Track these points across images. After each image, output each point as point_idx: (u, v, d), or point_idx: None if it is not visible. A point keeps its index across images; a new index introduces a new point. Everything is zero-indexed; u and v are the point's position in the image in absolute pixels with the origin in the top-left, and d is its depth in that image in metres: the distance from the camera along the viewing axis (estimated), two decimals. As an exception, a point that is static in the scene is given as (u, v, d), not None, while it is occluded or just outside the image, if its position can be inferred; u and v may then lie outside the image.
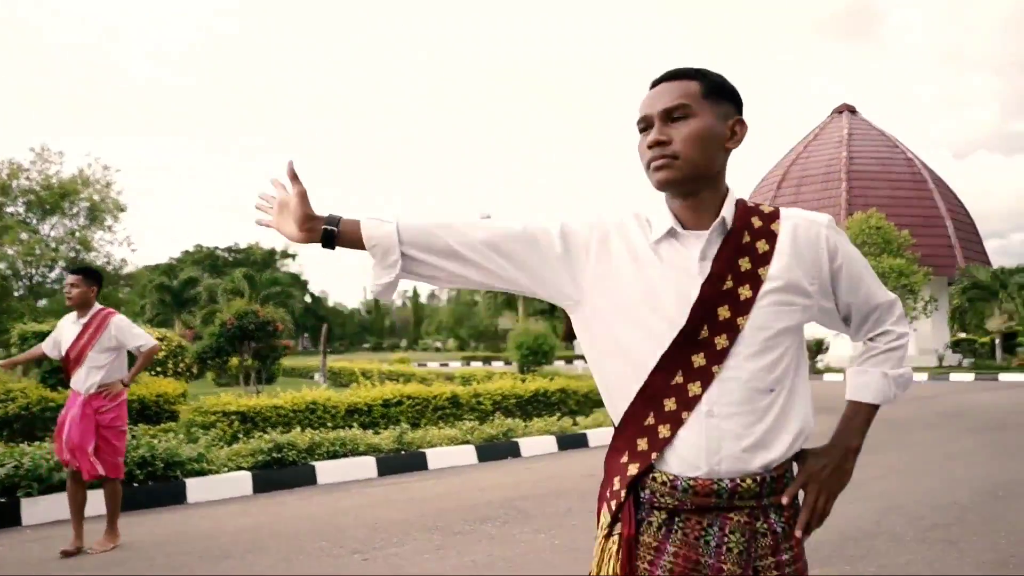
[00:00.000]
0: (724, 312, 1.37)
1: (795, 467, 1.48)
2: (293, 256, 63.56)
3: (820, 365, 26.14)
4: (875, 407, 1.52)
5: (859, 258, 1.50)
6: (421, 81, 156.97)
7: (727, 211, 1.43)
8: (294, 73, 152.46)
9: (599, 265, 1.45)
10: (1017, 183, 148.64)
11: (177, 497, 6.44)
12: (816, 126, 36.12)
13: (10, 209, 27.49)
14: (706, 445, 1.36)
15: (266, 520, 5.81)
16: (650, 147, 1.41)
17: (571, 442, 9.34)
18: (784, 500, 1.41)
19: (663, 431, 1.37)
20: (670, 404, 1.37)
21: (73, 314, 4.97)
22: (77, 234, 28.03)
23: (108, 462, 4.87)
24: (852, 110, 35.81)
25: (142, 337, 5.03)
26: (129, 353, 5.07)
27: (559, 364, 24.86)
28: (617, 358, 1.44)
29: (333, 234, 1.42)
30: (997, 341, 29.42)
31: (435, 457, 8.10)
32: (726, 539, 1.36)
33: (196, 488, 6.55)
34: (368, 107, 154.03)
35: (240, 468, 6.97)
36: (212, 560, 4.69)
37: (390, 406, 9.52)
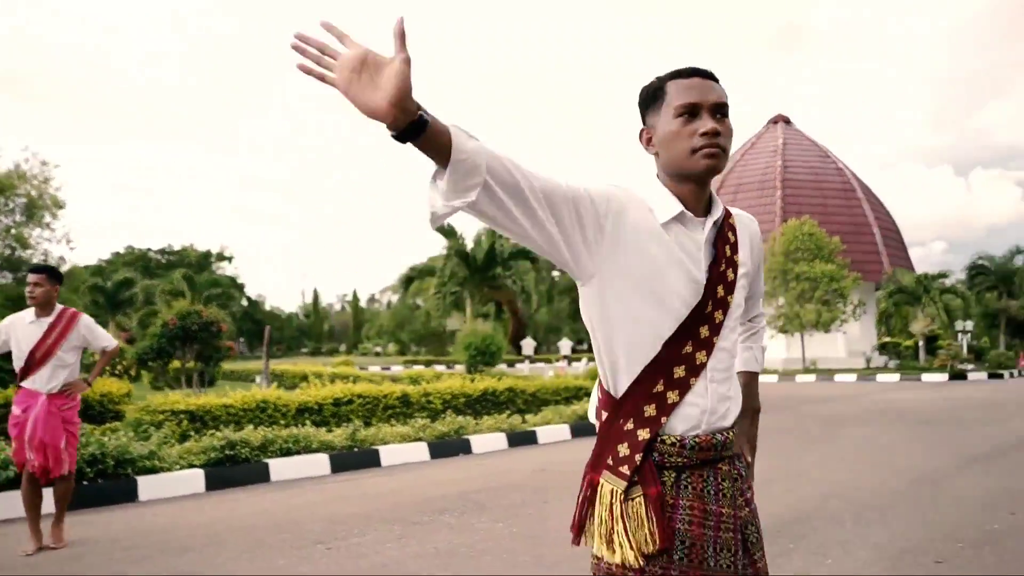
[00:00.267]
0: (720, 291, 1.54)
1: None
2: (229, 259, 62.23)
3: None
4: (759, 373, 1.89)
5: None
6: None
7: (719, 206, 1.58)
8: (272, 71, 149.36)
9: (615, 237, 1.48)
10: (938, 194, 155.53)
11: (128, 495, 6.36)
12: (752, 135, 37.26)
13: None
14: (708, 407, 1.52)
15: (222, 516, 5.80)
16: (704, 135, 1.49)
17: (521, 439, 9.51)
18: (750, 458, 1.65)
19: (672, 396, 1.50)
20: (679, 371, 1.50)
21: (29, 312, 4.87)
22: (13, 231, 26.97)
23: (71, 459, 4.85)
24: (786, 120, 37.07)
25: (106, 338, 5.08)
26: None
27: (500, 367, 25.02)
28: (630, 329, 1.51)
29: (425, 124, 1.20)
30: (920, 343, 30.83)
31: (388, 454, 8.16)
32: (720, 486, 1.53)
33: (148, 486, 6.48)
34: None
35: (192, 466, 6.91)
36: (172, 554, 4.68)
37: (341, 405, 9.52)
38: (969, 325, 32.13)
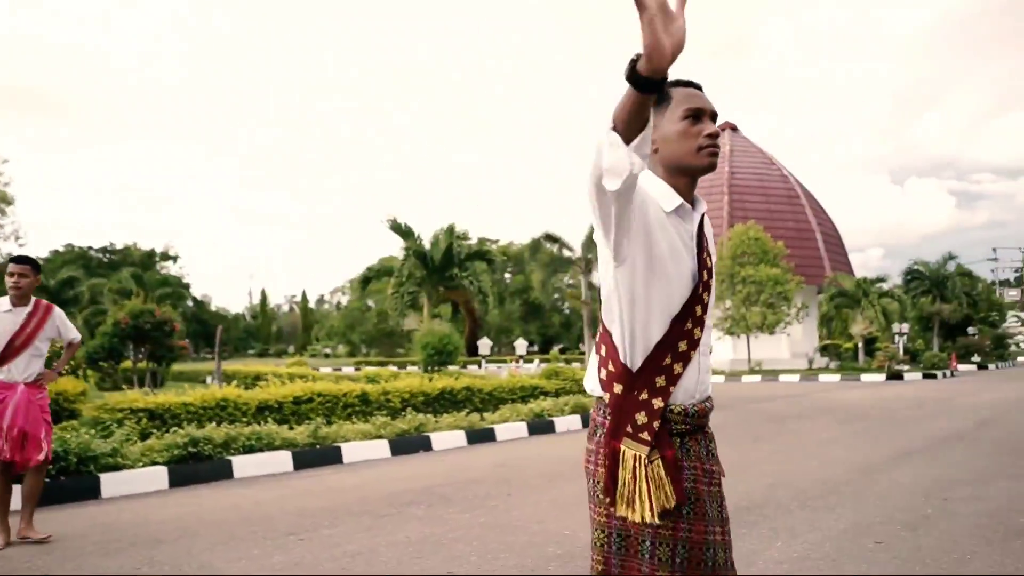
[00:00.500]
0: (705, 275, 1.76)
1: None
2: (174, 258, 60.96)
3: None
4: None
5: None
6: (346, 84, 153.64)
7: (703, 202, 1.81)
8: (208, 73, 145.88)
9: (643, 225, 1.63)
10: (876, 202, 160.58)
11: (91, 492, 6.35)
12: (700, 142, 38.10)
13: None
14: (699, 377, 1.75)
15: (190, 511, 5.85)
16: (709, 135, 1.72)
17: (480, 436, 9.69)
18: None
19: (677, 368, 1.71)
20: (683, 346, 1.72)
21: (4, 301, 4.90)
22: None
23: (48, 448, 4.91)
24: (734, 128, 37.99)
25: (74, 330, 5.18)
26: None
27: (452, 368, 25.14)
28: (650, 308, 1.70)
29: (664, 82, 1.34)
30: (860, 345, 31.95)
31: (350, 451, 8.27)
32: (710, 446, 1.79)
33: (111, 483, 6.48)
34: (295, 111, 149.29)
35: (155, 463, 6.92)
36: (145, 547, 4.75)
37: (301, 403, 9.57)
38: (905, 328, 33.44)
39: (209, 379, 19.24)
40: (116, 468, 6.62)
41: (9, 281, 4.85)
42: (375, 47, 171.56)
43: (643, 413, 1.69)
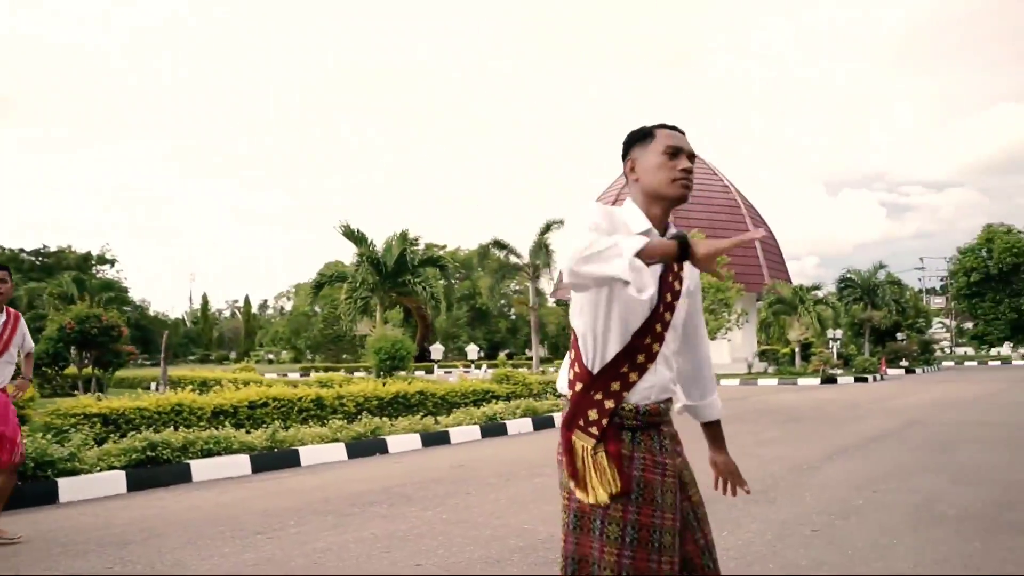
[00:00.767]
0: (668, 297, 2.01)
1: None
2: (112, 262, 59.26)
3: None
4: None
5: None
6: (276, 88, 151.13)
7: (673, 228, 2.06)
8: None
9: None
10: (811, 212, 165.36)
11: (48, 497, 6.34)
12: (645, 152, 38.92)
13: None
14: (657, 384, 2.00)
15: (153, 512, 5.91)
16: (683, 170, 2.00)
17: (434, 439, 9.88)
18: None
19: (632, 376, 1.97)
20: (640, 358, 1.97)
21: None
22: None
23: (22, 448, 4.97)
24: (677, 138, 38.92)
25: (30, 339, 5.25)
26: None
27: (402, 373, 25.19)
28: (607, 323, 1.96)
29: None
30: (796, 350, 33.06)
31: (307, 454, 8.37)
32: (663, 442, 2.02)
33: (68, 487, 6.48)
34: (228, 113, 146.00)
35: (112, 467, 6.93)
36: (113, 547, 4.82)
37: (256, 407, 9.62)
38: (839, 333, 34.72)
39: (154, 385, 18.93)
40: (74, 473, 6.61)
41: None
42: (325, 52, 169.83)
43: (595, 411, 1.95)
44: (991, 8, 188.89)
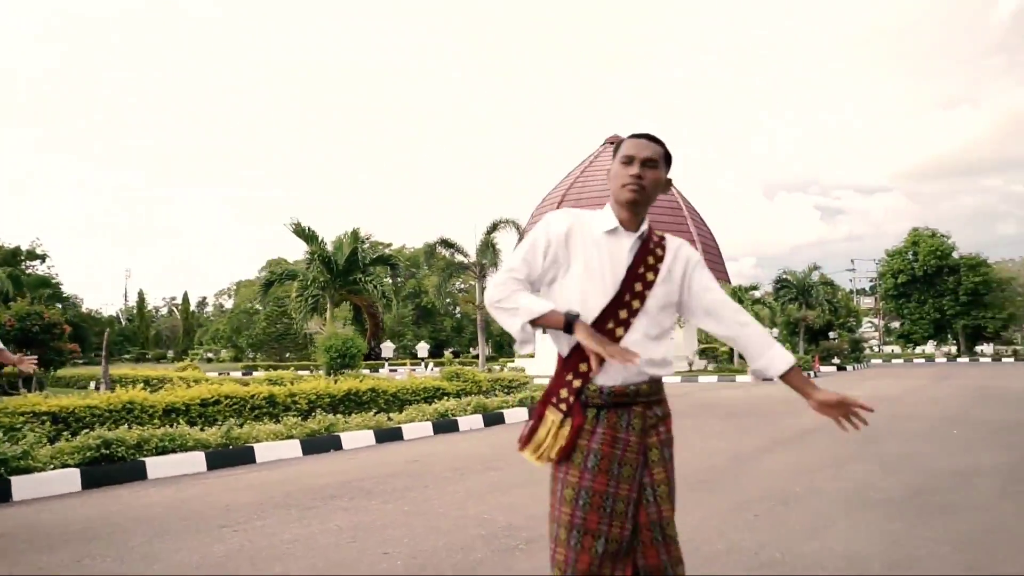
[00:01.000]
0: (638, 286, 2.24)
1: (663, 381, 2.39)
2: (43, 257, 57.16)
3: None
4: (793, 367, 2.42)
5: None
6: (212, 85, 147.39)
7: (645, 226, 2.31)
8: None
9: (565, 254, 2.25)
10: (749, 214, 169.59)
11: (1, 495, 6.29)
12: (591, 154, 39.48)
13: None
14: (622, 367, 2.22)
15: (113, 509, 5.93)
16: (631, 176, 2.23)
17: (388, 435, 10.01)
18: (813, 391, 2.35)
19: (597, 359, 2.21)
20: (613, 329, 2.22)
21: None
22: None
23: None
24: (621, 141, 39.56)
25: None
26: None
27: (350, 372, 25.09)
28: (576, 309, 2.22)
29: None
30: (735, 348, 34.01)
31: (262, 451, 8.42)
32: (631, 423, 2.23)
33: (22, 486, 6.43)
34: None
35: (66, 465, 6.89)
36: (79, 543, 4.85)
37: (208, 405, 9.60)
38: (775, 332, 35.88)
39: (93, 384, 18.49)
40: (27, 471, 6.56)
41: None
42: (268, 47, 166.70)
43: (565, 390, 2.23)
44: (918, 22, 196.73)
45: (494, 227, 30.61)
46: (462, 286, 62.58)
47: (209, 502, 6.10)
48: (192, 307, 79.78)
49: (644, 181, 2.25)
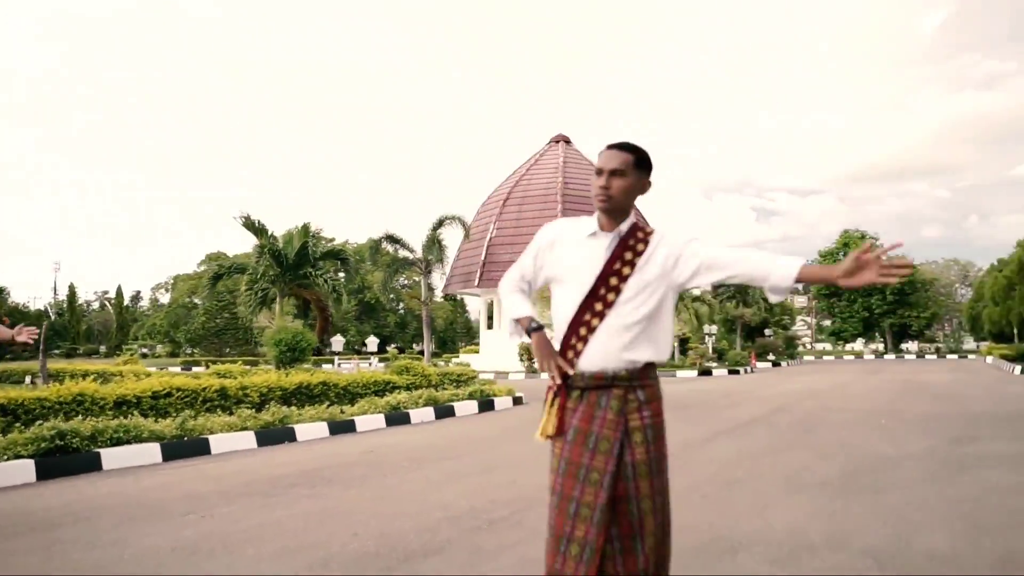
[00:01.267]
0: (613, 280, 2.48)
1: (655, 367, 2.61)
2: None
3: (537, 366, 29.03)
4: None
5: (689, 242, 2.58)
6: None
7: (624, 226, 2.54)
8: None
9: (549, 259, 2.62)
10: (688, 214, 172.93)
11: (-47, 486, 6.22)
12: (536, 152, 39.84)
13: None
14: (600, 351, 2.47)
15: (73, 498, 5.93)
16: (600, 187, 2.49)
17: (341, 427, 10.10)
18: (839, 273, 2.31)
19: (579, 346, 2.48)
20: (583, 331, 2.49)
21: None
22: None
23: None
24: (567, 140, 40.05)
25: None
26: None
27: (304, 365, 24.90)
28: (560, 303, 2.55)
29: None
30: (675, 344, 34.87)
31: (217, 442, 8.44)
32: (609, 403, 2.48)
33: (-26, 477, 6.36)
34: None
35: (19, 456, 6.83)
36: (44, 530, 4.88)
37: (159, 398, 9.54)
38: (714, 329, 36.88)
39: (28, 379, 17.99)
40: (-21, 462, 6.49)
41: None
42: (219, 41, 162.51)
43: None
44: (853, 30, 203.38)
45: (440, 223, 30.64)
46: (405, 282, 62.36)
47: (170, 491, 6.15)
48: (126, 301, 77.45)
49: (611, 191, 2.50)
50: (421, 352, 42.72)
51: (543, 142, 40.54)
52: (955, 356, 49.12)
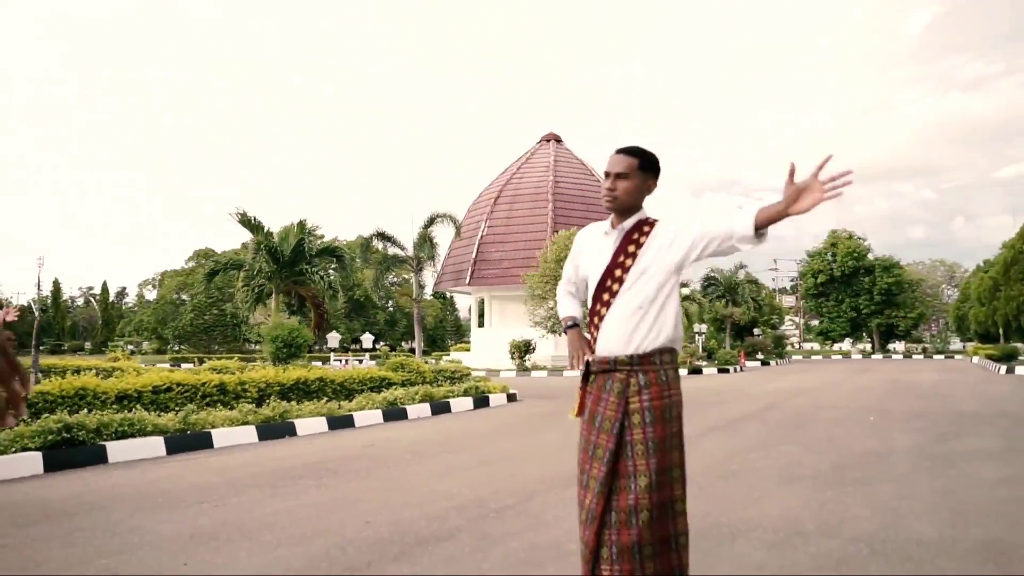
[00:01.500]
0: (618, 272, 2.73)
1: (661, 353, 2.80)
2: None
3: (528, 363, 29.21)
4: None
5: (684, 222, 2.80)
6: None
7: (628, 223, 2.77)
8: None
9: (580, 258, 2.93)
10: (677, 213, 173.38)
11: (-37, 478, 6.32)
12: (527, 151, 39.99)
13: None
14: (608, 338, 2.71)
15: (83, 489, 6.05)
16: (606, 189, 2.75)
17: (340, 423, 10.24)
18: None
19: (594, 333, 2.75)
20: (596, 320, 2.75)
21: None
22: None
23: None
24: (558, 139, 40.23)
25: None
26: None
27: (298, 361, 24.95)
28: (588, 298, 2.84)
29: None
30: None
31: (219, 436, 8.56)
32: (612, 385, 2.70)
33: (-16, 468, 6.46)
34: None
35: (27, 448, 6.93)
36: (61, 519, 5.00)
37: (160, 392, 9.65)
38: (704, 328, 37.19)
39: (21, 374, 17.99)
40: (-12, 454, 6.59)
41: None
42: (219, 41, 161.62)
43: (584, 365, 2.80)
44: (841, 30, 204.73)
45: (431, 221, 30.78)
46: (394, 279, 62.35)
47: (178, 483, 6.28)
48: (111, 298, 77.04)
49: (616, 192, 2.76)
50: (411, 350, 42.82)
51: (534, 141, 40.72)
52: (941, 356, 49.70)
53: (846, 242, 58.20)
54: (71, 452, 7.13)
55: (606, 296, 2.72)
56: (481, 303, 38.29)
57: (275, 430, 9.26)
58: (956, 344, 65.06)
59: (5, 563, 4.01)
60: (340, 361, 27.81)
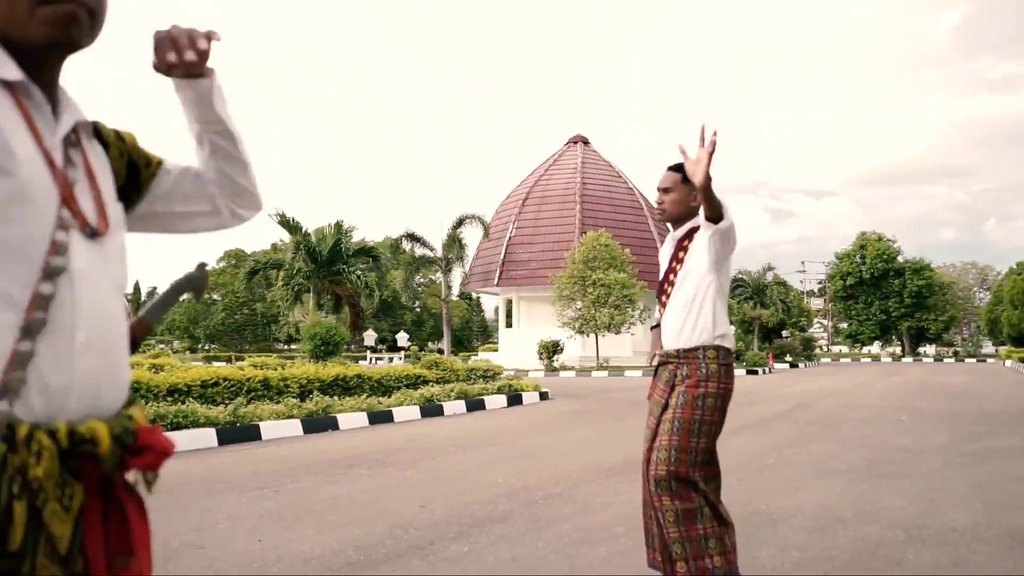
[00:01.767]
0: (671, 276, 3.07)
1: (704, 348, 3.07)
2: None
3: (556, 364, 29.42)
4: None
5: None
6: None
7: (680, 231, 3.09)
8: None
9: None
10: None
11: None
12: (554, 153, 40.23)
13: None
14: (665, 335, 3.06)
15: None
16: (657, 203, 3.12)
17: (380, 418, 10.55)
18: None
19: (660, 332, 3.05)
20: (659, 319, 3.05)
21: None
22: None
23: None
24: (585, 141, 40.43)
25: None
26: None
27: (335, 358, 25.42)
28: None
29: None
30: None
31: (267, 429, 8.89)
32: (665, 375, 3.03)
33: (54, 455, 6.82)
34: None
35: (91, 437, 7.29)
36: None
37: (207, 387, 10.02)
38: (732, 330, 37.04)
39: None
40: (57, 441, 6.95)
41: None
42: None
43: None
44: (869, 32, 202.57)
45: (460, 222, 31.16)
46: (421, 279, 62.80)
47: (236, 470, 6.60)
48: (143, 297, 78.35)
49: (664, 205, 3.16)
50: (439, 350, 43.20)
51: (562, 142, 40.95)
52: (973, 360, 49.11)
53: (875, 244, 57.65)
54: (132, 441, 7.48)
55: (664, 298, 3.11)
56: (509, 304, 38.58)
57: (319, 424, 9.58)
58: (988, 348, 64.16)
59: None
60: (383, 360, 28.12)
